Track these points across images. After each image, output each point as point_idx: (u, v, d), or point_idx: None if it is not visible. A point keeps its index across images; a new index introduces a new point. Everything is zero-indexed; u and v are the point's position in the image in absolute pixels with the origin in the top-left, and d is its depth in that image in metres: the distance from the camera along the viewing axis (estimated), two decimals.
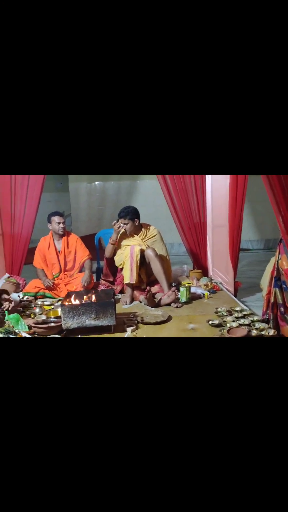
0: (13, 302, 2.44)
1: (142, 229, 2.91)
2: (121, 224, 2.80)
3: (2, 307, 2.37)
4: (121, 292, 2.99)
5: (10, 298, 2.44)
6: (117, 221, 2.83)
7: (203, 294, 2.88)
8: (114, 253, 2.93)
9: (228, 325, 2.21)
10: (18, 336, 1.80)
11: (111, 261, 2.98)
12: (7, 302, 2.40)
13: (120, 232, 2.85)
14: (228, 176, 3.08)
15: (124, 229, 2.81)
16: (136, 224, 2.84)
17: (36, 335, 2.09)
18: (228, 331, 2.05)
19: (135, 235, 2.89)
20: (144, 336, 2.19)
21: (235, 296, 3.14)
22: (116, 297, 2.79)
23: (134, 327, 2.28)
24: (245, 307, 2.62)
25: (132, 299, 2.81)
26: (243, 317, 2.37)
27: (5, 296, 2.45)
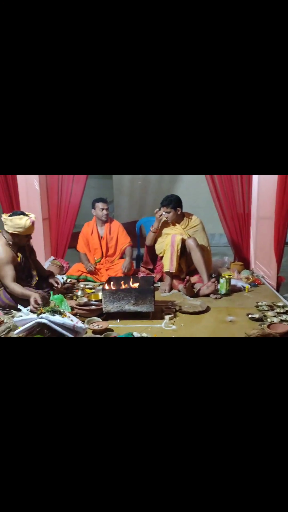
0: (60, 284, 2.56)
1: (184, 218, 2.89)
2: (163, 213, 2.80)
3: (54, 287, 2.50)
4: (161, 280, 3.01)
5: (58, 280, 2.56)
6: (160, 210, 2.83)
7: (244, 287, 2.82)
8: (155, 242, 2.94)
9: (269, 320, 2.16)
10: (63, 316, 1.88)
11: (151, 249, 3.00)
12: (56, 284, 2.52)
13: (162, 221, 2.86)
14: None
15: (166, 218, 2.81)
16: (179, 213, 2.82)
17: (78, 316, 2.18)
18: (268, 326, 2.00)
19: (177, 224, 2.87)
20: (182, 325, 2.20)
21: (278, 291, 3.03)
22: (155, 284, 2.82)
23: (172, 315, 2.30)
24: (287, 302, 2.53)
25: (171, 287, 2.83)
26: (286, 313, 2.29)
27: (54, 278, 2.57)
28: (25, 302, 2.16)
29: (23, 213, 2.28)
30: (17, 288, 2.21)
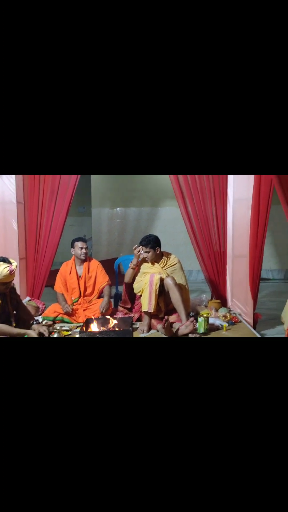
0: (46, 332, 2.46)
1: (163, 257, 2.93)
2: (141, 251, 2.84)
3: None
4: (139, 320, 2.98)
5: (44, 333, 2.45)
6: (138, 246, 2.87)
7: (222, 326, 2.83)
8: (133, 279, 2.95)
9: None
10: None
11: (130, 287, 3.00)
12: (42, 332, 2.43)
13: (141, 258, 2.89)
14: (250, 205, 3.09)
15: (146, 257, 2.85)
16: (157, 252, 2.87)
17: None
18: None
19: (155, 263, 2.91)
20: None
21: (255, 328, 3.07)
22: (133, 325, 2.78)
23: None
24: None
25: (150, 327, 2.80)
26: None
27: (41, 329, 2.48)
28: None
29: (4, 260, 2.20)
30: (7, 329, 2.20)
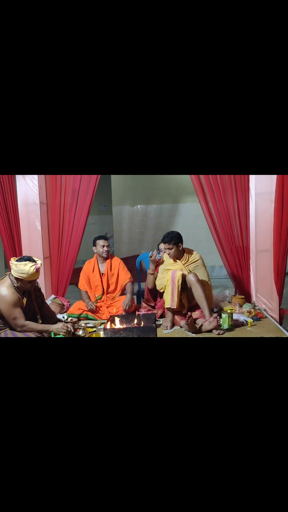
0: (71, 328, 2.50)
1: (185, 254, 2.92)
2: (157, 255, 2.87)
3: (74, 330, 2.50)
4: (162, 316, 2.99)
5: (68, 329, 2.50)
6: (153, 252, 2.91)
7: (246, 322, 2.79)
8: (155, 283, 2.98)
9: None
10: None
11: (152, 290, 3.03)
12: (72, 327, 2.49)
13: (158, 257, 2.92)
14: (273, 199, 3.02)
15: (169, 254, 2.85)
16: (180, 249, 2.86)
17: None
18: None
19: (177, 260, 2.90)
20: None
21: (281, 324, 3.00)
22: (157, 321, 2.79)
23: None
24: None
25: (173, 324, 2.80)
26: None
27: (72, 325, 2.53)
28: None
29: (29, 259, 2.26)
30: (35, 326, 2.28)
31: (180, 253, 2.89)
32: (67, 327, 2.34)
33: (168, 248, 2.81)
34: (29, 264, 2.23)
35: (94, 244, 3.18)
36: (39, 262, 2.28)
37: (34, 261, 2.27)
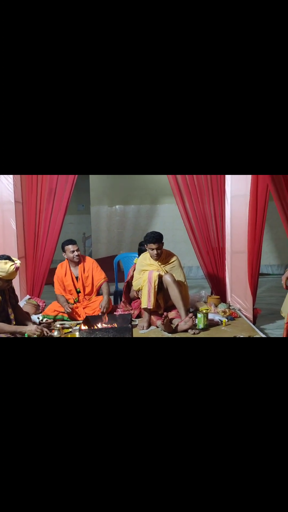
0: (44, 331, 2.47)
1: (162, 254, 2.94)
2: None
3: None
4: (139, 316, 3.00)
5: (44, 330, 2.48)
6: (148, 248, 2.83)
7: (221, 321, 2.85)
8: (131, 279, 2.98)
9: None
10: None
11: (129, 290, 3.05)
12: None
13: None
14: (248, 201, 3.09)
15: (157, 254, 2.81)
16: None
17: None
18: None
19: (153, 261, 2.92)
20: None
21: (254, 323, 3.08)
22: (133, 322, 2.80)
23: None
24: (264, 336, 2.57)
25: (149, 324, 2.82)
26: None
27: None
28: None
29: (8, 258, 2.26)
30: (6, 327, 2.25)
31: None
32: (41, 329, 2.32)
33: (158, 248, 2.80)
34: (9, 263, 2.23)
35: (64, 250, 3.06)
36: (18, 261, 2.29)
37: (12, 260, 2.26)
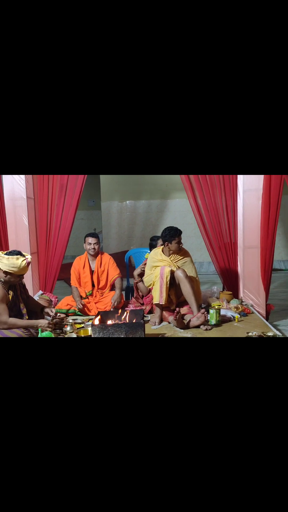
0: (52, 314, 2.56)
1: None
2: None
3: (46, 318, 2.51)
4: (150, 312, 3.00)
5: (50, 312, 2.57)
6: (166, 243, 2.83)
7: (233, 317, 2.83)
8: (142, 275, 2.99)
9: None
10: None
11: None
12: (49, 315, 2.51)
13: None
14: (260, 196, 3.05)
15: (177, 248, 2.83)
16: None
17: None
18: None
19: (165, 256, 2.91)
20: None
21: (267, 319, 3.05)
22: (145, 317, 2.80)
23: None
24: (277, 332, 2.54)
25: (161, 320, 2.81)
26: None
27: (47, 309, 2.57)
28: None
29: (20, 253, 2.30)
30: (19, 322, 2.29)
31: (168, 250, 2.89)
32: (53, 323, 2.36)
33: (178, 242, 2.80)
34: (21, 258, 2.27)
35: (84, 241, 3.17)
36: (29, 257, 2.33)
37: (23, 255, 2.30)
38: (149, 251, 3.21)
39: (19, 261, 2.23)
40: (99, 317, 2.40)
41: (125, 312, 2.47)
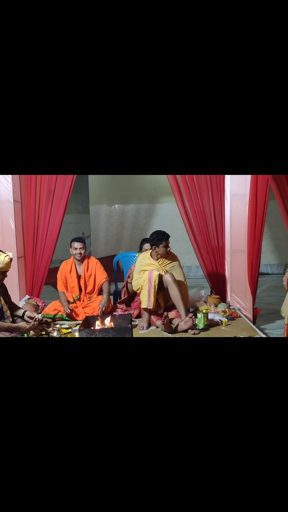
0: (34, 319, 2.51)
1: None
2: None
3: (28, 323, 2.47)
4: (138, 316, 2.99)
5: (31, 316, 2.51)
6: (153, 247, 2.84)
7: (221, 321, 2.84)
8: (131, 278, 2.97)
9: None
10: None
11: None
12: (30, 319, 2.47)
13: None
14: (247, 201, 3.08)
15: (168, 250, 2.84)
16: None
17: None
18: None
19: (153, 260, 2.91)
20: None
21: (254, 323, 3.07)
22: (133, 322, 2.79)
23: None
24: (264, 336, 2.56)
25: (149, 324, 2.81)
26: None
27: (28, 314, 2.52)
28: None
29: (1, 251, 2.31)
30: (1, 325, 2.26)
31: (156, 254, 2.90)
32: (32, 324, 2.34)
33: (166, 246, 2.80)
34: (3, 254, 2.28)
35: (70, 246, 3.14)
36: (10, 253, 2.36)
37: (4, 253, 2.34)
38: (137, 255, 3.21)
39: (1, 257, 2.26)
40: (87, 321, 2.38)
41: (108, 316, 2.46)
